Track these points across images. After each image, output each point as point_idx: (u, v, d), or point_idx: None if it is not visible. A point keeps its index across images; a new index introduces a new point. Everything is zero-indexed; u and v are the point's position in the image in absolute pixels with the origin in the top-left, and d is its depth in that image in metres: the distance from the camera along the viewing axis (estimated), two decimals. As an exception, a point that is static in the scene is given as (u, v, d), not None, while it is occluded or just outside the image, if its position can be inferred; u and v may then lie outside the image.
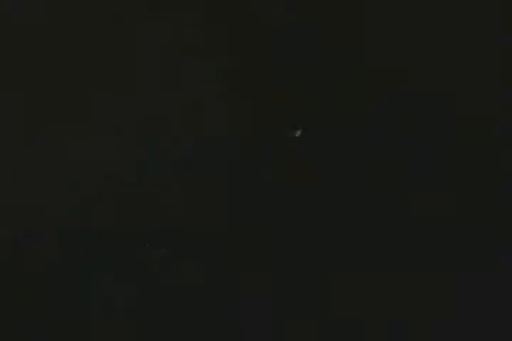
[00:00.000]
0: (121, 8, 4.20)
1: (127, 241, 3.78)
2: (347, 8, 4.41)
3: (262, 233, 3.91)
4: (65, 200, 3.86)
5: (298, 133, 3.64)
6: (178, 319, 3.57)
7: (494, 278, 3.69)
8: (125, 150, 4.13)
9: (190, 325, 3.55)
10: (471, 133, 4.10)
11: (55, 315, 3.57)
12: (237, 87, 4.54)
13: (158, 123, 4.33)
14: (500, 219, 3.84)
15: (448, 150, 4.11)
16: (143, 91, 4.26)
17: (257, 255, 3.82)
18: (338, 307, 3.68)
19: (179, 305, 3.59)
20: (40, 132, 3.98)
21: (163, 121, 4.35)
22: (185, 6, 4.46)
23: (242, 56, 4.59)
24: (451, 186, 3.98)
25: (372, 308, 3.67)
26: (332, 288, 3.75)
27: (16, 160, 3.81)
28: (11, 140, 3.87)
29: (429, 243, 3.89)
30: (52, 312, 3.57)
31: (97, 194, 3.89)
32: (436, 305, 3.68)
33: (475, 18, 4.25)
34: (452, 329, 3.58)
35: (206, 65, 4.51)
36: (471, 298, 3.64)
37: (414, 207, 3.95)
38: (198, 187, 4.13)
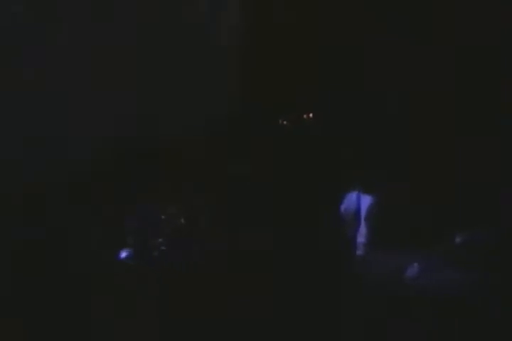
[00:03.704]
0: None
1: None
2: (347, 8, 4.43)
3: (261, 232, 3.92)
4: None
5: None
6: (178, 318, 3.57)
7: None
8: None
9: (190, 325, 3.55)
10: (471, 132, 4.12)
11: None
12: (237, 85, 4.55)
13: (156, 122, 4.34)
14: None
15: (448, 150, 4.13)
16: (142, 89, 4.27)
17: (257, 254, 3.83)
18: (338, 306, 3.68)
19: (179, 304, 3.60)
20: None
21: (162, 119, 4.36)
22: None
23: (243, 54, 4.60)
24: (452, 186, 3.99)
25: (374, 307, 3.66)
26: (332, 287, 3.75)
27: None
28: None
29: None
30: None
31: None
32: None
33: (474, 18, 4.28)
34: None
35: (207, 62, 4.52)
36: None
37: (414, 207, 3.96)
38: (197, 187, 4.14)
